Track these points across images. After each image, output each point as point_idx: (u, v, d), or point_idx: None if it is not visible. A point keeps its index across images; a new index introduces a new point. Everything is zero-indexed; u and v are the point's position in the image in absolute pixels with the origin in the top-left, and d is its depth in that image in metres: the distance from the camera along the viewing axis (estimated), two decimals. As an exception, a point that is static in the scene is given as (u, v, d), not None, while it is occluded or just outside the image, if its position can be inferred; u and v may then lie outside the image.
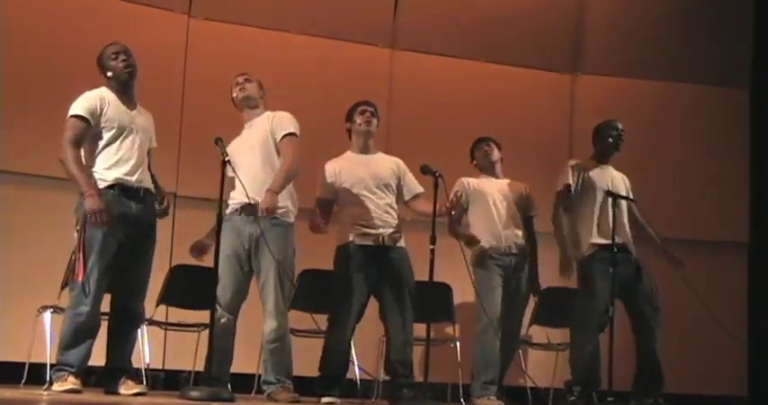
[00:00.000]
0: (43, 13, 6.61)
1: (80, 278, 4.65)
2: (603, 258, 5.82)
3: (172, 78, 6.98)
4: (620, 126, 6.24)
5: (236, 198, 5.12)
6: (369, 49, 7.57)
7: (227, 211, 5.14)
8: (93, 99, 4.83)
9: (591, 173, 6.10)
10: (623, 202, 6.07)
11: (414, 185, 5.68)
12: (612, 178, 6.13)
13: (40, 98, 6.25)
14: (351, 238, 5.45)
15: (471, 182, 6.05)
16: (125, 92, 4.95)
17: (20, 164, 6.25)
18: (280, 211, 5.12)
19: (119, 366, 4.85)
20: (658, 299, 6.01)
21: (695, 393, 7.24)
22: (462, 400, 6.26)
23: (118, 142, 4.83)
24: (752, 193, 8.07)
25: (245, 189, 5.02)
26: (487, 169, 6.16)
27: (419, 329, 5.50)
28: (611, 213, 5.85)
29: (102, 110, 4.82)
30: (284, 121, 5.26)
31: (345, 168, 5.56)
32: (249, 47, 7.22)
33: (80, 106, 4.80)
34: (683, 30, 8.11)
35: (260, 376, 5.50)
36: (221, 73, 6.98)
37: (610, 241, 5.85)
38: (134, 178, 4.83)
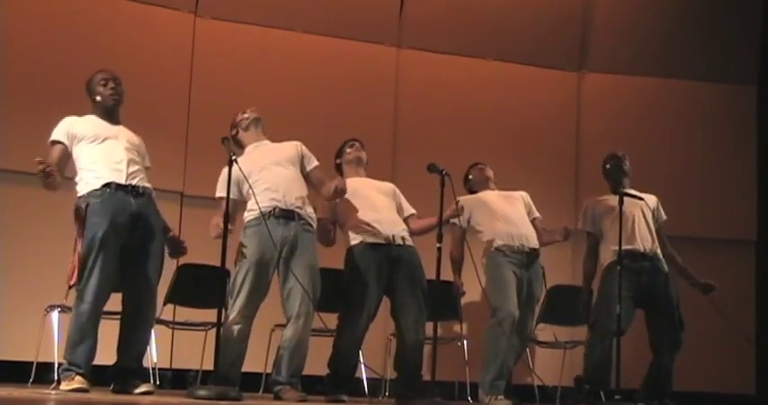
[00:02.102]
0: (48, 12, 6.61)
1: (72, 281, 4.67)
2: (625, 265, 5.83)
3: (178, 78, 6.98)
4: (618, 154, 6.32)
5: (262, 202, 5.04)
6: (375, 47, 7.57)
7: (252, 216, 5.10)
8: (67, 122, 4.93)
9: (603, 199, 6.18)
10: (643, 214, 6.11)
11: (407, 207, 5.80)
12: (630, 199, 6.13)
13: (43, 97, 6.25)
14: (362, 238, 5.46)
15: (468, 197, 6.09)
16: (110, 117, 5.02)
17: (24, 163, 6.25)
18: (310, 214, 5.18)
19: (128, 366, 4.85)
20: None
21: (703, 391, 7.23)
22: (470, 398, 6.26)
23: (100, 147, 4.87)
24: (760, 190, 8.04)
25: (254, 198, 5.03)
26: (482, 185, 6.22)
27: (426, 328, 5.49)
28: (618, 209, 5.85)
29: (75, 128, 4.90)
30: (311, 154, 5.39)
31: (361, 189, 5.61)
32: (256, 46, 7.23)
33: (56, 131, 4.91)
34: (690, 27, 8.09)
35: (268, 375, 5.50)
36: (228, 72, 7.04)
37: (632, 247, 5.93)
38: (125, 179, 4.84)
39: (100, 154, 4.85)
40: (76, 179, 4.88)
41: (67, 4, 6.70)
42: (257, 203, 5.03)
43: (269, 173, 5.17)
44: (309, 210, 5.20)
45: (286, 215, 5.09)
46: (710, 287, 6.22)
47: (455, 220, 5.88)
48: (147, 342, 5.02)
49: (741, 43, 8.14)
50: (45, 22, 6.60)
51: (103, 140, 4.89)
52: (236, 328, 4.98)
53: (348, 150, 5.81)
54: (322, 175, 5.40)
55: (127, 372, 4.83)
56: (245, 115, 5.42)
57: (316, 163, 5.38)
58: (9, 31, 6.45)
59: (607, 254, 6.06)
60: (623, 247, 5.82)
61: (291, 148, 5.36)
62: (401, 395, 5.46)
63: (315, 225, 5.23)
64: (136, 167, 4.91)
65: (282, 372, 5.10)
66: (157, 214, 4.98)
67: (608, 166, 6.32)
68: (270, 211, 5.06)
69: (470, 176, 6.31)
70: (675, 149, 7.90)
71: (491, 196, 6.12)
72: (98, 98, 5.01)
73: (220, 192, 5.11)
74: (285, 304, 5.11)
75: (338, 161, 5.84)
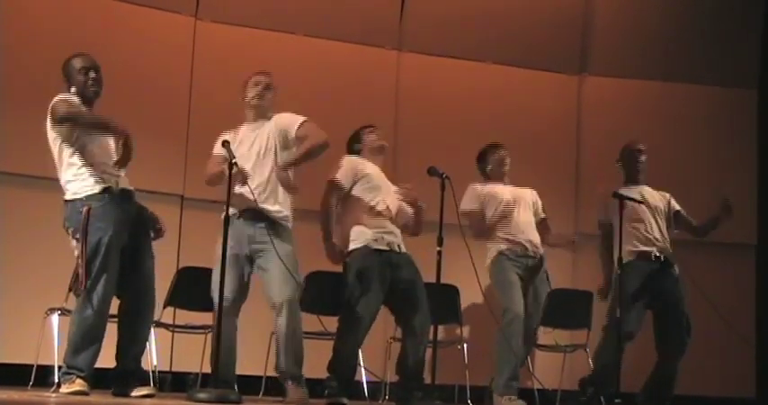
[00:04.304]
0: (48, 14, 6.61)
1: (83, 286, 4.64)
2: (638, 267, 5.86)
3: (179, 80, 6.98)
4: (639, 147, 6.27)
5: (237, 203, 5.02)
6: (376, 50, 7.58)
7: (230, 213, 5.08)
8: (76, 101, 4.79)
9: (620, 191, 6.06)
10: (654, 216, 6.11)
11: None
12: (643, 193, 6.13)
13: (43, 100, 6.22)
14: (364, 243, 5.42)
15: (485, 187, 6.05)
16: (89, 107, 4.89)
17: (24, 165, 6.26)
18: (280, 215, 5.11)
19: (128, 368, 4.85)
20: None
21: (703, 395, 7.23)
22: (469, 401, 6.26)
23: (97, 144, 4.77)
24: (760, 194, 8.04)
25: (252, 195, 5.02)
26: (498, 177, 6.17)
27: (426, 331, 5.50)
28: (619, 217, 5.84)
29: (83, 110, 4.80)
30: (290, 117, 5.22)
31: (367, 169, 5.54)
32: (256, 49, 7.22)
33: (69, 106, 4.73)
34: (691, 30, 8.10)
35: (268, 378, 5.49)
36: (228, 75, 7.00)
37: (647, 248, 5.95)
38: (122, 180, 4.81)
39: (97, 152, 4.77)
40: (67, 174, 4.78)
41: (68, 6, 6.70)
42: (254, 197, 5.01)
43: (250, 170, 5.11)
44: (284, 211, 5.12)
45: (254, 216, 5.05)
46: (725, 203, 6.17)
47: (473, 207, 5.91)
48: (145, 342, 5.01)
49: (742, 47, 8.14)
50: (45, 24, 6.59)
51: (96, 136, 4.79)
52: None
53: (372, 137, 5.69)
54: (311, 127, 5.21)
55: (126, 374, 4.83)
56: (250, 96, 5.26)
57: (299, 120, 5.19)
58: (9, 34, 6.45)
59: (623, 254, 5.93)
60: (638, 249, 5.86)
61: (270, 127, 5.22)
62: (401, 398, 5.45)
63: (289, 214, 5.15)
64: (123, 170, 4.87)
65: (282, 362, 5.05)
66: (144, 213, 4.94)
67: (625, 154, 6.27)
68: (237, 213, 5.01)
69: (489, 159, 6.19)
70: (676, 153, 7.89)
71: (504, 194, 6.07)
72: (75, 88, 4.86)
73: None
74: (268, 295, 5.06)
75: (358, 147, 5.71)
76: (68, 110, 4.71)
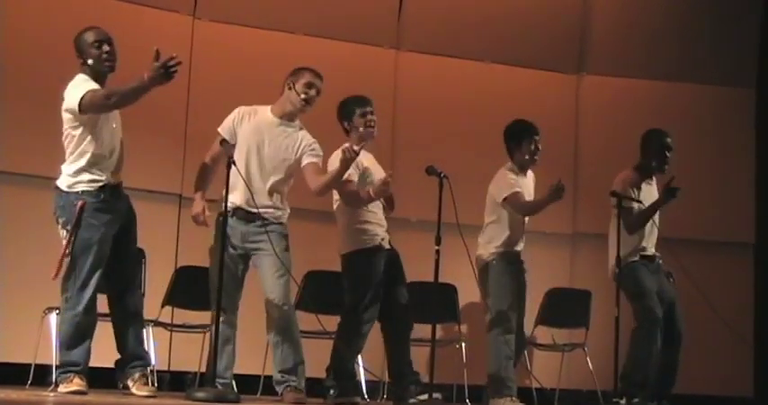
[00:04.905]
0: (45, 14, 6.60)
1: (54, 276, 4.63)
2: (645, 265, 5.91)
3: (177, 80, 6.93)
4: (670, 142, 6.19)
5: (233, 201, 5.01)
6: (374, 50, 7.58)
7: (221, 210, 5.05)
8: (89, 84, 4.70)
9: (643, 190, 6.08)
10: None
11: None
12: (652, 192, 6.15)
13: (42, 99, 6.25)
14: (364, 244, 5.36)
15: (518, 179, 5.75)
16: (101, 83, 4.78)
17: (23, 165, 6.26)
18: (276, 214, 5.11)
19: (132, 353, 4.84)
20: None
21: (701, 394, 7.23)
22: (468, 401, 6.25)
23: (104, 131, 4.73)
24: (758, 193, 8.05)
25: (251, 193, 5.00)
26: (525, 168, 5.83)
27: (424, 330, 5.49)
28: (616, 222, 5.84)
29: None
30: (318, 152, 5.23)
31: (365, 162, 5.46)
32: (254, 49, 7.22)
33: (84, 85, 4.67)
34: (689, 29, 8.10)
35: (266, 377, 5.49)
36: (227, 75, 7.03)
37: (651, 253, 5.99)
38: (117, 175, 4.80)
39: (102, 142, 4.72)
40: (70, 166, 4.73)
41: (67, 5, 6.69)
42: (254, 196, 5.01)
43: (267, 170, 5.14)
44: (279, 210, 5.12)
45: (246, 217, 5.04)
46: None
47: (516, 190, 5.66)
48: (141, 327, 5.00)
49: (740, 46, 8.14)
50: (44, 24, 6.58)
51: (105, 120, 4.72)
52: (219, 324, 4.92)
53: (369, 118, 5.52)
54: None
55: (133, 360, 4.83)
56: (297, 97, 5.25)
57: (316, 158, 5.23)
58: (9, 33, 6.44)
59: (627, 250, 5.90)
60: (645, 253, 5.90)
61: (299, 140, 5.25)
62: (399, 397, 5.43)
63: (285, 214, 5.14)
64: (121, 159, 4.85)
65: (275, 367, 5.04)
66: (131, 205, 4.94)
67: (653, 140, 6.18)
68: (231, 211, 5.00)
69: (524, 146, 5.75)
70: (674, 152, 7.89)
71: (527, 190, 5.82)
72: (91, 61, 4.76)
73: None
74: (264, 288, 5.04)
75: (346, 126, 5.56)
76: (94, 98, 4.60)
